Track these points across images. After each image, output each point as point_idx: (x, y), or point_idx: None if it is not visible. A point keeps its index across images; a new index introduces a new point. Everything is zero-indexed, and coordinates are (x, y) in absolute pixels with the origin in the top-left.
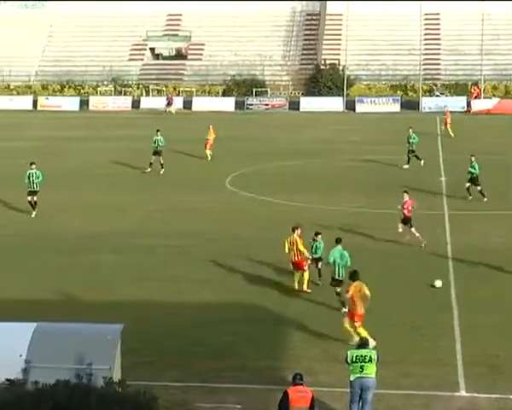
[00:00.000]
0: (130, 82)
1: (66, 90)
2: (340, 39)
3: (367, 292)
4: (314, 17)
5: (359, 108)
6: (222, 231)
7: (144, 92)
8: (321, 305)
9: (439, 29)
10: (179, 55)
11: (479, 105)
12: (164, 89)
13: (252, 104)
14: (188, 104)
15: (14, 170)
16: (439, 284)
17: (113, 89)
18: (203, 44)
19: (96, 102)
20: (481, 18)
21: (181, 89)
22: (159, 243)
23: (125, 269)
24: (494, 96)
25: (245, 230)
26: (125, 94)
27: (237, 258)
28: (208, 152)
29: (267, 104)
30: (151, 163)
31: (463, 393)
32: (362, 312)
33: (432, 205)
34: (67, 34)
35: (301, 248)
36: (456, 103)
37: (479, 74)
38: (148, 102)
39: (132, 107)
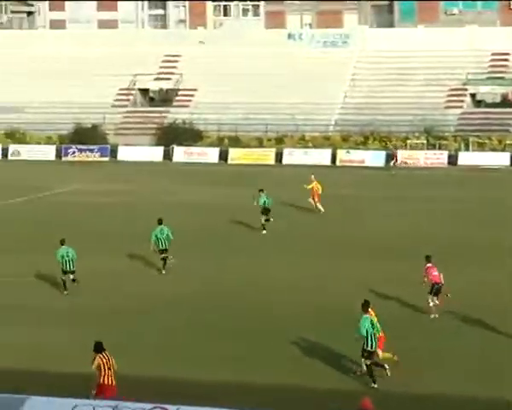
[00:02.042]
0: (447, 133)
1: (369, 142)
2: None
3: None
4: None
5: None
6: None
7: (463, 146)
8: None
9: None
10: (505, 103)
11: None
12: (486, 142)
13: None
14: None
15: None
16: None
17: (425, 141)
18: None
19: (405, 157)
20: None
21: (507, 142)
22: None
23: None
24: None
25: None
26: (439, 147)
27: None
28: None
29: None
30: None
31: None
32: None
33: None
34: (373, 77)
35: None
36: None
37: None
38: (467, 158)
39: (448, 163)
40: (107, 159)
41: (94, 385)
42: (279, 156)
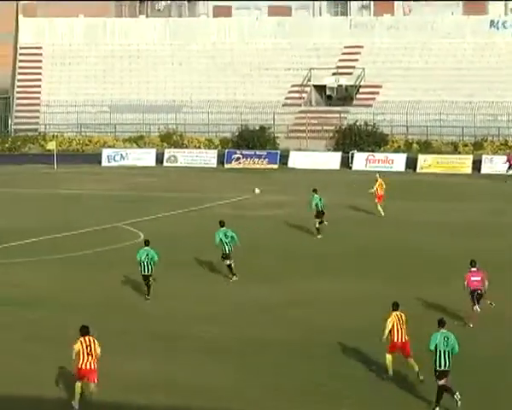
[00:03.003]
0: None
1: None
2: None
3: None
4: None
5: None
6: None
7: None
8: None
9: None
10: None
11: None
12: None
13: None
14: None
15: None
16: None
17: None
18: None
19: None
20: None
21: None
22: None
23: None
24: None
25: None
26: None
27: None
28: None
29: None
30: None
31: None
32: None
33: None
34: None
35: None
36: None
37: None
38: None
39: None
40: (275, 166)
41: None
42: (477, 164)
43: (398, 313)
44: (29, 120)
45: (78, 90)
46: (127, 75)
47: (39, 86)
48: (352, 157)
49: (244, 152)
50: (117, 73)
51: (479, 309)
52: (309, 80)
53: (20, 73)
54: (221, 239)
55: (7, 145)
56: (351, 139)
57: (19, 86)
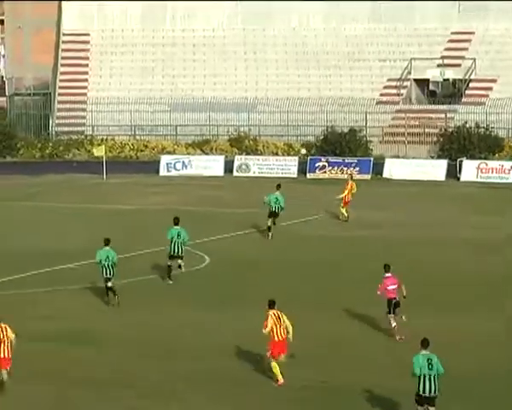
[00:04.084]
0: None
1: None
2: None
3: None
4: None
5: None
6: None
7: None
8: None
9: None
10: None
11: None
12: None
13: None
14: None
15: None
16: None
17: None
18: None
19: None
20: None
21: None
22: None
23: None
24: None
25: None
26: None
27: None
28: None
29: None
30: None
31: None
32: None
33: None
34: None
35: None
36: None
37: None
38: None
39: None
40: (368, 176)
41: None
42: None
43: (274, 311)
44: (73, 120)
45: (131, 86)
46: (190, 67)
47: (86, 80)
48: (461, 166)
49: (330, 159)
50: (178, 65)
51: (404, 319)
52: (409, 73)
53: (63, 65)
54: (172, 238)
55: (47, 151)
56: (459, 144)
57: (62, 80)
